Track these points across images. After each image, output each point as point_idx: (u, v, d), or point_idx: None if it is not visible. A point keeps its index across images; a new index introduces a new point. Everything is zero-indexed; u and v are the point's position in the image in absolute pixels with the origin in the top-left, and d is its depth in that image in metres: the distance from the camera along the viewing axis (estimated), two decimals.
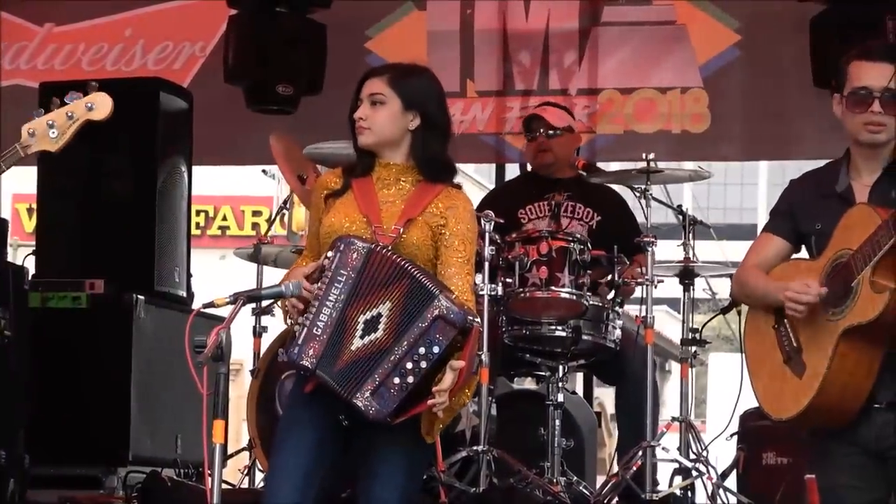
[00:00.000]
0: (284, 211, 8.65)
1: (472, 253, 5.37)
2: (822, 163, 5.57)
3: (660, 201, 7.29)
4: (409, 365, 4.86)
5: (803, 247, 5.19)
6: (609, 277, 6.99)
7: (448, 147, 5.49)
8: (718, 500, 7.06)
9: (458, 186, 5.49)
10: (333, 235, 5.01)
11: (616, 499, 6.91)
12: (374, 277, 4.95)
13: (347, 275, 4.94)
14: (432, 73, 5.70)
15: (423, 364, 4.87)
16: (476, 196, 9.11)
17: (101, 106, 5.16)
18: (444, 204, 5.17)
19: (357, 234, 5.02)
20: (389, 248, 5.04)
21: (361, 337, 4.92)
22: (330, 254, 4.95)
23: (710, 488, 7.04)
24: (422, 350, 4.87)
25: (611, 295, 7.02)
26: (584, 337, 6.85)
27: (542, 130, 7.70)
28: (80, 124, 5.13)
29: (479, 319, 5.36)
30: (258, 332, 7.67)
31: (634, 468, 6.96)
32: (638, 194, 7.23)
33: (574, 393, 7.51)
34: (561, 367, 6.96)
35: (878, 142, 5.03)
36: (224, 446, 4.95)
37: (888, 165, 4.96)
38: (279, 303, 5.35)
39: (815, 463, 5.23)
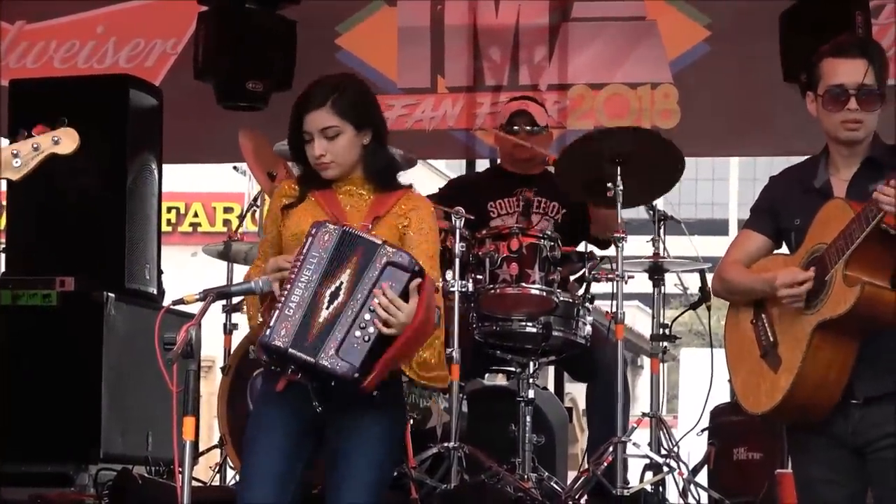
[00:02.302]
0: (255, 208, 8.60)
1: (436, 250, 5.47)
2: (794, 159, 5.62)
3: (649, 212, 7.31)
4: (367, 315, 4.86)
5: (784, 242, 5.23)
6: (578, 274, 7.00)
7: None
8: (689, 496, 7.08)
9: (410, 186, 5.51)
10: (298, 237, 5.03)
11: (587, 495, 6.92)
12: (343, 254, 4.98)
13: (320, 256, 4.96)
14: (358, 78, 5.77)
15: (380, 304, 4.89)
16: (436, 184, 9.18)
17: (67, 140, 5.17)
18: (407, 206, 5.23)
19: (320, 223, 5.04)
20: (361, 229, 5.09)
21: (327, 308, 4.94)
22: (305, 244, 4.97)
23: (680, 484, 7.06)
24: (374, 291, 4.89)
25: (581, 291, 7.03)
26: (555, 333, 6.86)
27: (526, 126, 7.69)
28: (44, 157, 5.15)
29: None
30: (229, 329, 7.67)
31: (605, 464, 6.97)
32: (611, 187, 7.24)
33: (545, 389, 7.53)
34: (532, 364, 6.96)
35: (857, 139, 5.05)
36: (195, 443, 4.97)
37: (865, 160, 4.98)
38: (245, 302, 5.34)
39: (792, 457, 5.32)
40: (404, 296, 4.89)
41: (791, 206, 5.17)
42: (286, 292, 4.97)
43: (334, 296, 4.99)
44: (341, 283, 5.00)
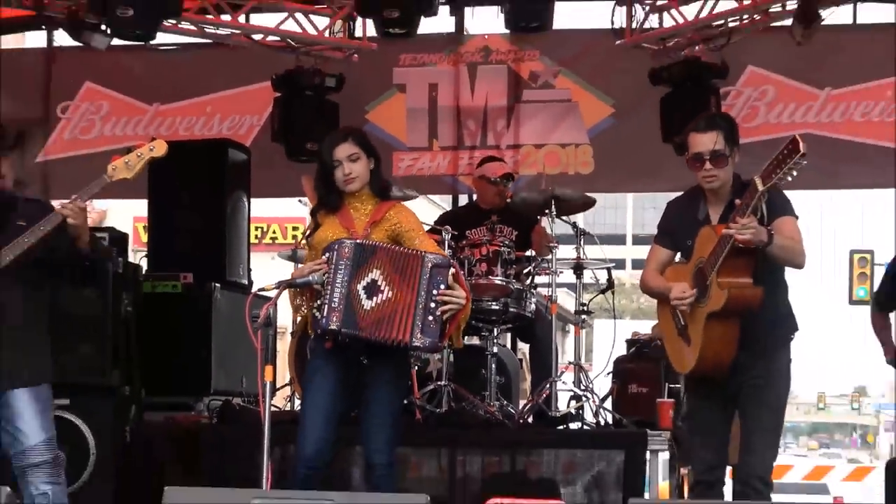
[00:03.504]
0: (311, 228, 8.64)
1: (424, 230, 5.46)
2: (671, 194, 5.64)
3: (561, 219, 7.28)
4: (433, 304, 4.90)
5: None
6: (526, 270, 7.00)
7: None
8: (599, 416, 7.08)
9: (399, 199, 5.63)
10: (324, 244, 5.05)
11: (532, 416, 6.93)
12: (363, 258, 4.99)
13: (345, 263, 4.97)
14: (361, 129, 5.96)
15: (442, 299, 4.94)
16: (436, 212, 9.20)
17: (158, 147, 5.18)
18: (394, 213, 5.23)
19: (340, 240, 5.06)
20: (369, 239, 5.09)
21: (369, 298, 4.95)
22: (327, 255, 4.99)
23: (593, 408, 7.06)
24: (434, 291, 4.92)
25: (528, 281, 7.03)
26: (511, 309, 6.83)
27: (509, 183, 7.69)
28: (146, 160, 5.15)
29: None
30: (295, 308, 7.64)
31: (544, 395, 6.96)
32: (548, 215, 7.24)
33: (504, 346, 7.52)
34: (495, 330, 6.95)
35: (714, 188, 5.08)
36: (273, 382, 4.97)
37: (730, 201, 4.96)
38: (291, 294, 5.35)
39: (687, 392, 5.52)
40: (448, 285, 4.98)
41: (684, 231, 5.18)
42: (328, 292, 4.98)
43: (371, 290, 5.01)
44: (374, 280, 5.02)
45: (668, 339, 5.29)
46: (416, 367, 6.63)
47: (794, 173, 4.75)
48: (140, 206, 8.87)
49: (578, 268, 7.27)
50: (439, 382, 6.73)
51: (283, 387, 6.77)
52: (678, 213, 5.34)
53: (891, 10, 8.87)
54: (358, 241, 5.09)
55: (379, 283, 5.02)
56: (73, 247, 5.09)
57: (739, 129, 5.29)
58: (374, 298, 5.00)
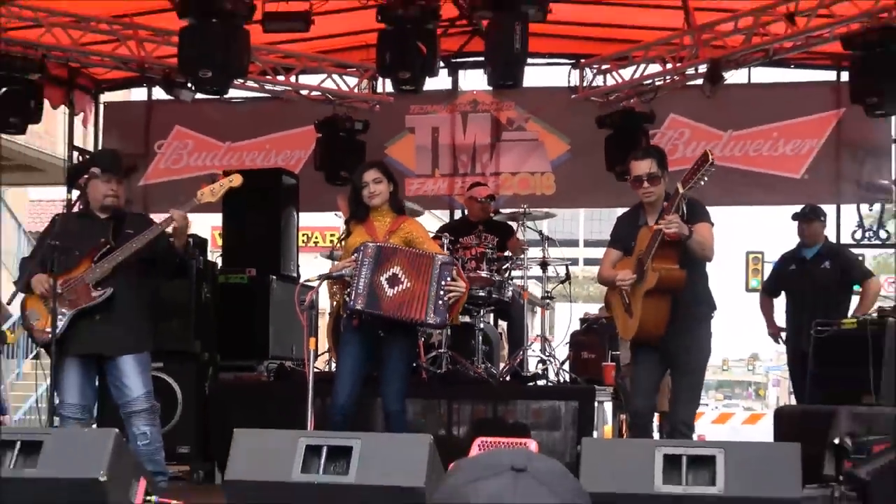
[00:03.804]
0: (344, 234, 8.68)
1: (429, 237, 5.62)
2: (614, 210, 5.73)
3: (531, 228, 7.29)
4: (442, 292, 4.94)
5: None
6: (504, 267, 6.99)
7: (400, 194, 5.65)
8: (560, 376, 7.08)
9: (409, 215, 5.61)
10: (354, 247, 5.07)
11: (509, 375, 6.89)
12: (384, 257, 4.99)
13: (369, 261, 4.98)
14: (385, 161, 6.11)
15: (448, 288, 4.98)
16: (437, 223, 9.24)
17: (236, 180, 5.29)
18: (407, 224, 5.30)
19: (365, 243, 5.08)
20: (388, 243, 5.12)
21: (391, 287, 4.96)
22: (356, 255, 4.99)
23: (555, 370, 7.06)
24: (443, 283, 4.96)
25: (506, 275, 7.02)
26: (493, 296, 6.82)
27: (491, 202, 7.71)
28: (226, 189, 5.25)
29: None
30: (331, 296, 7.67)
31: (518, 360, 6.97)
32: (520, 225, 7.25)
33: (488, 323, 7.50)
34: (482, 311, 6.95)
35: (652, 201, 5.12)
36: (315, 350, 5.00)
37: (661, 212, 4.98)
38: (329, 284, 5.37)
39: (633, 357, 5.39)
40: (452, 277, 5.04)
41: (629, 236, 5.22)
42: (355, 282, 5.00)
43: (393, 281, 5.03)
44: (395, 273, 5.04)
45: (616, 314, 5.31)
46: (423, 339, 6.60)
47: (706, 179, 4.83)
48: (216, 218, 8.85)
49: (543, 264, 7.30)
50: (440, 350, 6.73)
51: (322, 353, 6.76)
52: (624, 224, 5.36)
53: (776, 72, 8.92)
54: (379, 244, 5.11)
55: (400, 276, 5.04)
56: (170, 248, 5.13)
57: (666, 158, 5.34)
58: (396, 287, 5.02)
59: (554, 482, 1.17)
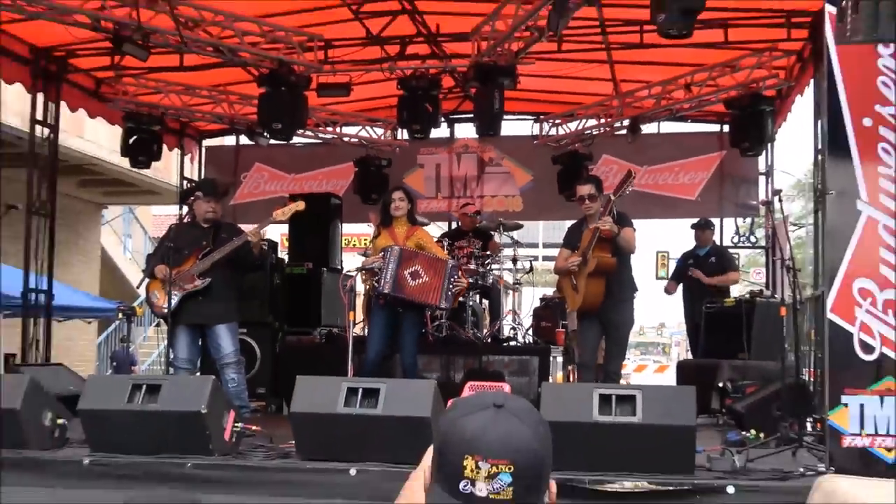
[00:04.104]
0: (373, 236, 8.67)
1: (434, 242, 5.56)
2: (566, 222, 5.69)
3: (506, 235, 7.27)
4: (451, 286, 4.96)
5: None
6: (487, 262, 6.97)
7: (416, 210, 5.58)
8: (527, 338, 7.07)
9: (422, 225, 5.63)
10: (381, 248, 5.04)
11: (490, 338, 6.87)
12: (405, 257, 4.95)
13: (394, 259, 4.95)
14: (407, 187, 6.00)
15: (455, 284, 5.00)
16: (438, 231, 9.21)
17: (300, 205, 5.24)
18: (419, 233, 5.28)
19: (390, 246, 4.98)
20: (406, 247, 5.04)
21: (413, 280, 4.94)
22: (383, 253, 4.97)
23: (522, 335, 7.05)
24: (452, 278, 4.97)
25: (488, 267, 7.00)
26: (479, 282, 6.84)
27: (477, 216, 7.69)
28: (293, 211, 5.21)
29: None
30: (363, 280, 7.65)
31: (496, 327, 6.96)
32: (498, 233, 7.22)
33: (476, 301, 7.49)
34: (471, 293, 6.89)
35: (591, 213, 5.06)
36: (353, 320, 4.98)
37: (598, 217, 4.94)
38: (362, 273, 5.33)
39: (578, 323, 5.27)
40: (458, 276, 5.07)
41: (576, 239, 5.13)
42: (383, 273, 4.97)
43: (415, 275, 5.01)
44: (416, 269, 5.01)
45: (566, 294, 5.23)
46: (429, 313, 6.56)
47: (629, 190, 4.81)
48: (284, 227, 8.81)
49: (514, 260, 7.28)
50: (441, 321, 6.70)
51: (358, 323, 6.77)
52: (572, 231, 5.30)
53: (678, 125, 8.87)
54: (402, 247, 5.08)
55: (420, 272, 5.02)
56: (249, 253, 5.11)
57: (602, 191, 5.30)
58: (417, 280, 5.00)
59: (523, 414, 1.17)
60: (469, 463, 1.11)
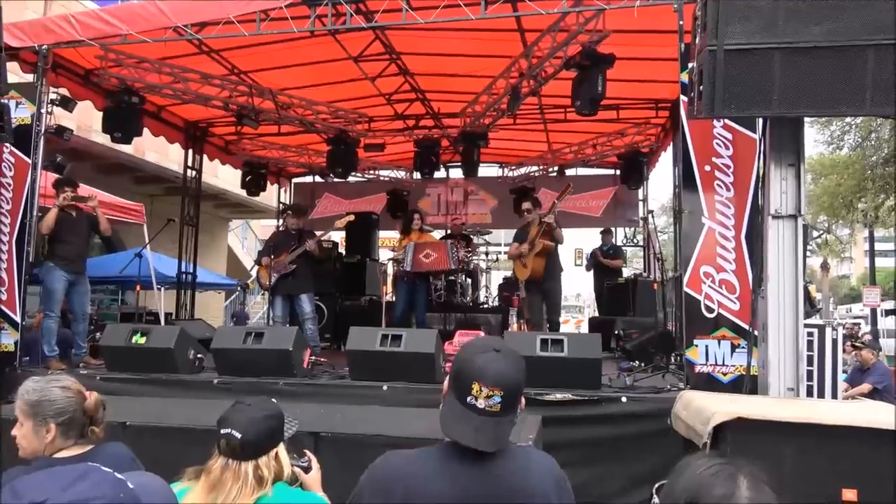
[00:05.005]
0: (399, 240, 8.51)
1: (436, 241, 5.27)
2: (514, 229, 5.46)
3: (483, 238, 7.19)
4: (453, 254, 4.80)
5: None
6: (470, 254, 6.85)
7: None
8: (493, 303, 6.94)
9: (429, 231, 5.42)
10: (402, 246, 4.91)
11: (472, 303, 6.70)
12: (418, 247, 4.85)
13: (411, 250, 4.84)
14: (423, 209, 5.82)
15: (456, 252, 4.84)
16: (438, 235, 9.07)
17: (351, 217, 5.03)
18: (426, 237, 5.15)
19: (409, 243, 4.86)
20: (418, 242, 4.91)
21: (426, 259, 4.82)
22: (405, 248, 4.87)
23: (491, 300, 6.94)
24: (451, 250, 4.80)
25: (471, 257, 6.87)
26: (465, 268, 6.64)
27: (462, 226, 7.49)
28: (346, 222, 4.99)
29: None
30: (393, 266, 7.50)
31: (476, 294, 6.82)
32: (476, 236, 7.13)
33: (463, 279, 7.36)
34: (461, 275, 6.73)
35: (530, 220, 4.85)
36: (386, 292, 4.88)
37: (539, 220, 4.73)
38: (392, 262, 5.21)
39: (526, 292, 4.95)
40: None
41: (523, 235, 4.88)
42: (404, 259, 4.88)
43: (426, 255, 4.87)
44: (428, 252, 4.89)
45: (518, 271, 4.99)
46: (434, 286, 6.45)
47: (567, 196, 4.63)
48: (342, 233, 8.63)
49: (486, 254, 7.19)
50: (440, 291, 6.50)
51: (388, 294, 6.70)
52: (520, 231, 5.07)
53: (589, 170, 8.78)
54: (415, 242, 4.97)
55: (430, 252, 4.91)
56: (316, 252, 5.01)
57: (540, 206, 5.13)
58: (430, 258, 4.89)
59: (511, 357, 1.22)
60: (475, 386, 1.17)
